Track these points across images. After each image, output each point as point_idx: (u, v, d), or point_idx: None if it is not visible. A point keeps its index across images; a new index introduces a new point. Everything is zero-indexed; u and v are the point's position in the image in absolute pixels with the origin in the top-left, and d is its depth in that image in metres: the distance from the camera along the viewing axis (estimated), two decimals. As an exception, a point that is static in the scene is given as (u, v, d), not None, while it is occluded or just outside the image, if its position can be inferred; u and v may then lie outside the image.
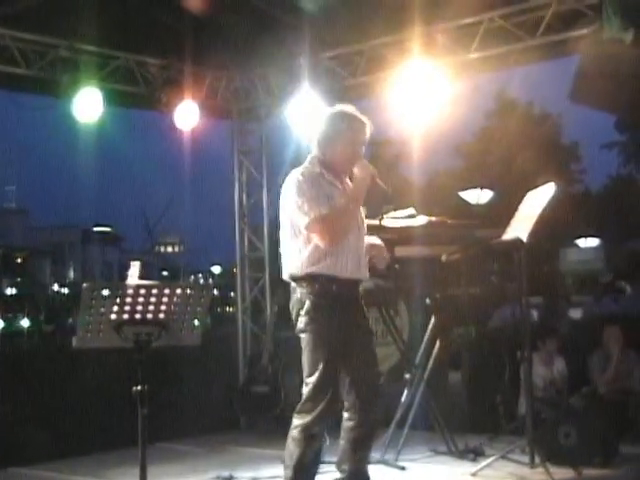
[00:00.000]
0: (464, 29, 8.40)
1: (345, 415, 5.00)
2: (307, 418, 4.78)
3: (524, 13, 8.05)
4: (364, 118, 5.06)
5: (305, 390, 4.85)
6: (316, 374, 4.80)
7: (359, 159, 4.98)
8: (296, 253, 4.90)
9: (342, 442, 5.05)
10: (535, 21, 8.00)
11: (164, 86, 9.18)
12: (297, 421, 4.84)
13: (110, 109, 9.22)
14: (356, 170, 4.95)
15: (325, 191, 4.88)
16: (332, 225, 4.79)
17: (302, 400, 4.84)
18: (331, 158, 4.98)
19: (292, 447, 4.83)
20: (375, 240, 5.27)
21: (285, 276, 5.03)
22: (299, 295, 4.90)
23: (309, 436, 4.79)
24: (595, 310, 12.91)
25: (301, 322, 4.89)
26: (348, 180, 5.09)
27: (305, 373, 4.89)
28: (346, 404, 4.99)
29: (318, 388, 4.79)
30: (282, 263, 5.06)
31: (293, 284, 4.96)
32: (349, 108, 5.10)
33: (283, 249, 5.02)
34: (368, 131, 5.04)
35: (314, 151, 5.06)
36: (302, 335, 4.91)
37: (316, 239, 4.80)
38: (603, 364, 8.39)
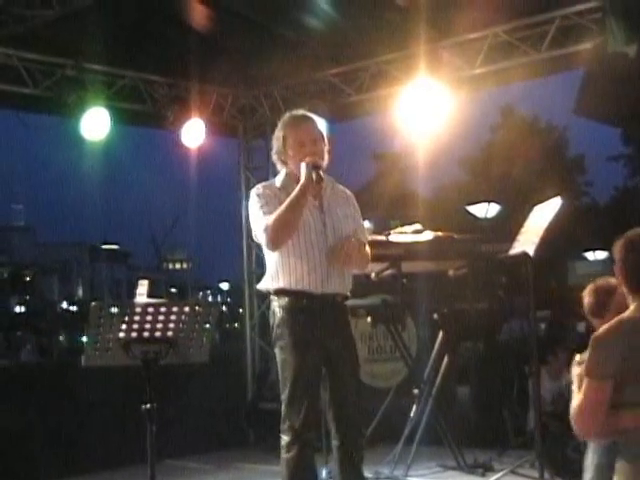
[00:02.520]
0: (468, 44, 8.44)
1: (332, 434, 4.86)
2: (286, 437, 4.68)
3: (528, 28, 8.10)
4: (307, 114, 4.99)
5: (282, 409, 4.75)
6: (286, 391, 4.69)
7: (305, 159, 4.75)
8: (269, 267, 4.85)
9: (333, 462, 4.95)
10: (539, 36, 8.04)
11: (171, 104, 9.22)
12: (282, 441, 4.76)
13: (117, 127, 9.27)
14: (302, 168, 4.72)
15: (280, 201, 4.73)
16: (270, 226, 4.64)
17: (281, 419, 4.73)
18: (290, 166, 4.88)
19: (282, 469, 4.74)
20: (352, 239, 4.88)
21: (262, 289, 4.96)
22: (272, 308, 4.83)
23: (293, 456, 4.66)
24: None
25: (273, 336, 4.81)
26: None
27: (280, 390, 4.79)
28: (329, 423, 4.84)
29: (290, 405, 4.67)
30: None
31: (271, 296, 4.88)
32: (292, 112, 5.05)
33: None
34: (317, 125, 4.92)
35: (277, 166, 5.00)
36: (275, 351, 4.83)
37: (262, 243, 4.73)
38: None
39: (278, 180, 4.94)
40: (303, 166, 4.73)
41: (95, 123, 8.64)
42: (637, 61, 6.77)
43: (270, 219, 4.67)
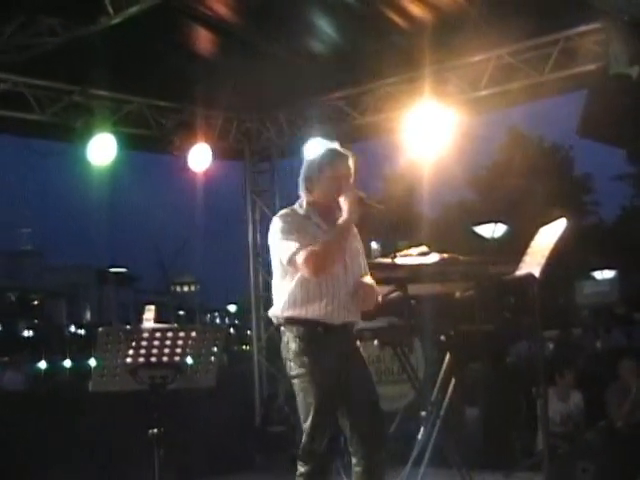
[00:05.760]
0: (472, 67, 8.49)
1: (353, 460, 4.85)
2: (308, 466, 4.68)
3: (531, 50, 8.14)
4: (344, 151, 4.97)
5: (304, 437, 4.75)
6: (309, 420, 4.70)
7: (345, 192, 4.81)
8: (282, 295, 4.80)
9: None
10: (543, 57, 8.09)
11: (177, 129, 9.28)
12: (300, 468, 4.75)
13: (124, 152, 9.32)
14: (342, 201, 4.77)
15: (309, 232, 4.75)
16: (316, 254, 4.61)
17: (301, 447, 4.74)
18: (317, 197, 4.87)
19: None
20: (366, 279, 4.98)
21: (272, 319, 4.91)
22: (286, 339, 4.78)
23: None
24: (606, 343, 12.83)
25: (290, 368, 4.78)
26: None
27: (301, 419, 4.79)
28: (351, 449, 4.85)
29: (313, 433, 4.69)
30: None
31: (282, 328, 4.83)
32: (329, 145, 5.05)
33: (274, 293, 4.91)
34: (351, 163, 4.91)
35: (301, 194, 5.00)
36: (293, 381, 4.81)
37: (300, 269, 4.65)
38: (620, 397, 8.35)
39: (300, 208, 4.92)
40: (347, 197, 4.75)
41: (101, 149, 8.70)
42: (639, 83, 6.79)
43: (316, 247, 4.63)
